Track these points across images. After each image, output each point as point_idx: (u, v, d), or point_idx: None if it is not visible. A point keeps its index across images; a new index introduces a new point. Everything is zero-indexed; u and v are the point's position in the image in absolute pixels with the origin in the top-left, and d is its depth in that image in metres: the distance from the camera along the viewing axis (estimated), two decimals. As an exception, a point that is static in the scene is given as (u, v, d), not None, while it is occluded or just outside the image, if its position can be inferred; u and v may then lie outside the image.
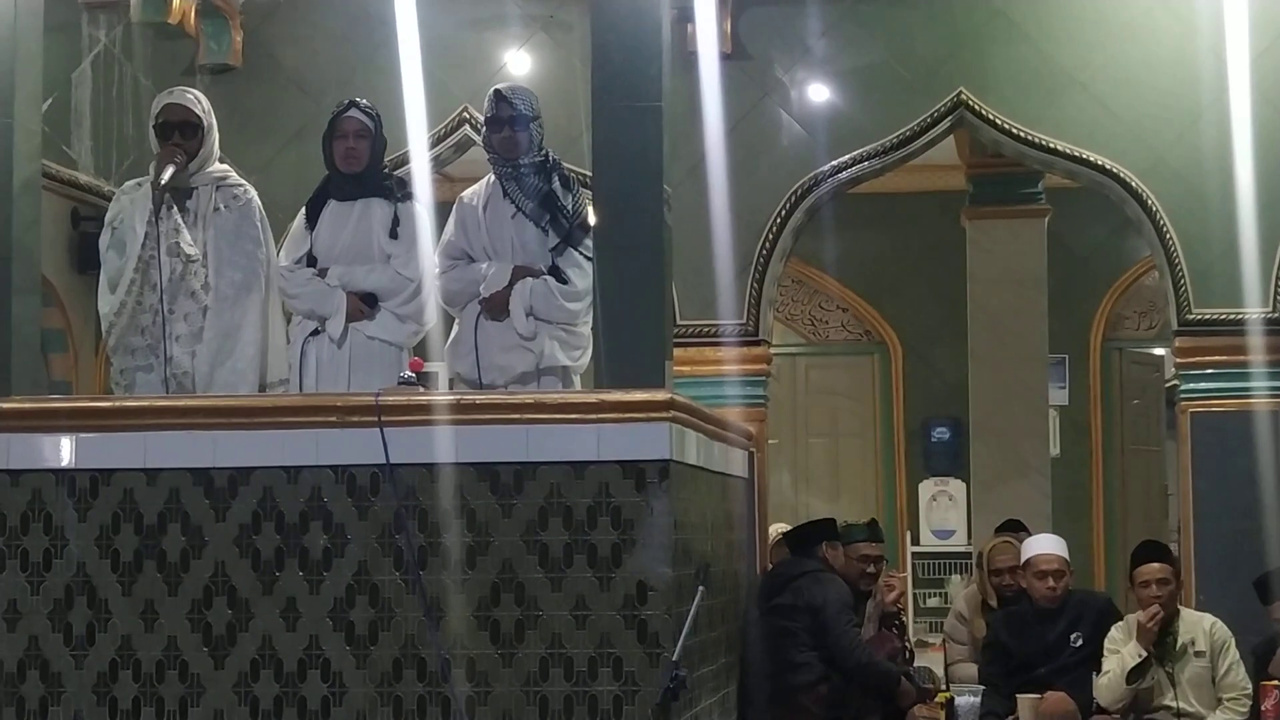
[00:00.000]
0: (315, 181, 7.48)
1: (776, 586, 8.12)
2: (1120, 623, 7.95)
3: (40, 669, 6.20)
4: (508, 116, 7.30)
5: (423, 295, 7.31)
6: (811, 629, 8.01)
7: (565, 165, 7.49)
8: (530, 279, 7.27)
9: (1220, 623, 7.91)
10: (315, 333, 7.31)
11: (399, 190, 7.38)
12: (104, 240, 7.15)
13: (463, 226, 7.45)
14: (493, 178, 7.44)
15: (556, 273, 7.28)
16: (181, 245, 6.99)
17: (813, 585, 8.12)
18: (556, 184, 7.35)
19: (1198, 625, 7.89)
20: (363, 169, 7.31)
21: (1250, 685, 7.69)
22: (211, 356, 7.02)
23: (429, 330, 7.43)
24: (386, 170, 7.61)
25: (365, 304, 7.27)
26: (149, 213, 6.97)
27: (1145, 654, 7.67)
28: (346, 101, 7.37)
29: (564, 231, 7.30)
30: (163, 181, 6.92)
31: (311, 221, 7.38)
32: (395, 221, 7.30)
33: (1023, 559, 8.31)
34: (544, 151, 7.39)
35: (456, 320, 7.47)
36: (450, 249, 7.45)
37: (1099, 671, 7.93)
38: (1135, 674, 7.67)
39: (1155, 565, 7.87)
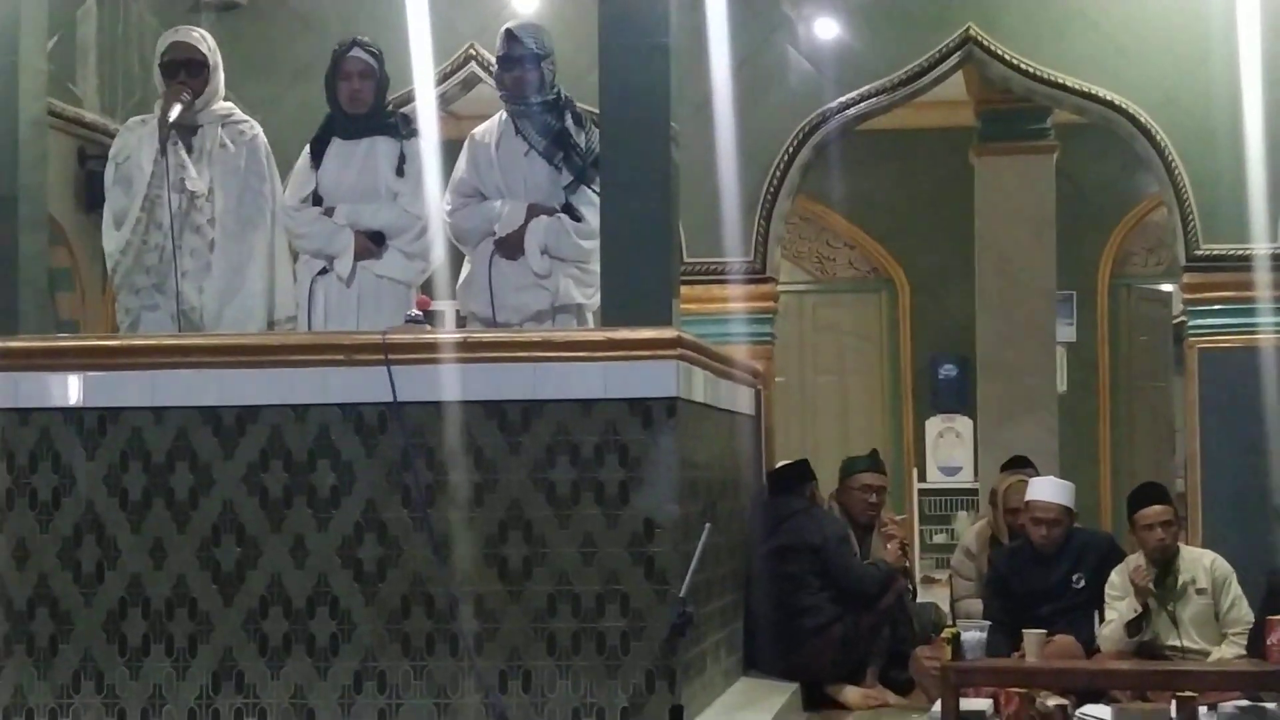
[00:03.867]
0: (321, 119, 7.45)
1: (769, 527, 8.11)
2: (1120, 566, 7.95)
3: (50, 607, 6.23)
4: (518, 55, 7.27)
5: (430, 233, 7.30)
6: (816, 570, 8.02)
7: (577, 103, 7.47)
8: (544, 217, 7.26)
9: (1220, 559, 7.92)
10: (323, 271, 7.31)
11: (404, 127, 7.36)
12: (109, 175, 7.18)
13: (475, 164, 7.43)
14: (505, 115, 7.42)
15: (570, 211, 7.28)
16: (187, 182, 7.00)
17: (808, 523, 8.11)
18: (569, 122, 7.34)
19: (1198, 563, 7.89)
20: (367, 109, 7.29)
21: (1254, 618, 7.70)
22: (220, 293, 7.05)
23: (436, 268, 7.42)
24: (391, 108, 7.58)
25: (373, 242, 7.27)
26: (155, 150, 6.98)
27: (1140, 608, 7.68)
28: (350, 40, 7.34)
29: (578, 169, 7.29)
30: (171, 119, 6.93)
31: (316, 160, 7.36)
32: (401, 159, 7.29)
33: (1025, 498, 8.33)
34: (556, 89, 7.37)
35: (468, 258, 7.45)
36: (462, 186, 7.44)
37: (1101, 612, 7.96)
38: (1134, 627, 7.69)
39: (1159, 508, 7.87)
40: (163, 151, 6.98)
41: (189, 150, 7.08)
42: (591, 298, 7.30)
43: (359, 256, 7.26)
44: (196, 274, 7.05)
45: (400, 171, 7.29)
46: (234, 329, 6.96)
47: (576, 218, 7.26)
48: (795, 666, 7.91)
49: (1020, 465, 9.41)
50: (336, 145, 7.34)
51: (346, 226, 7.27)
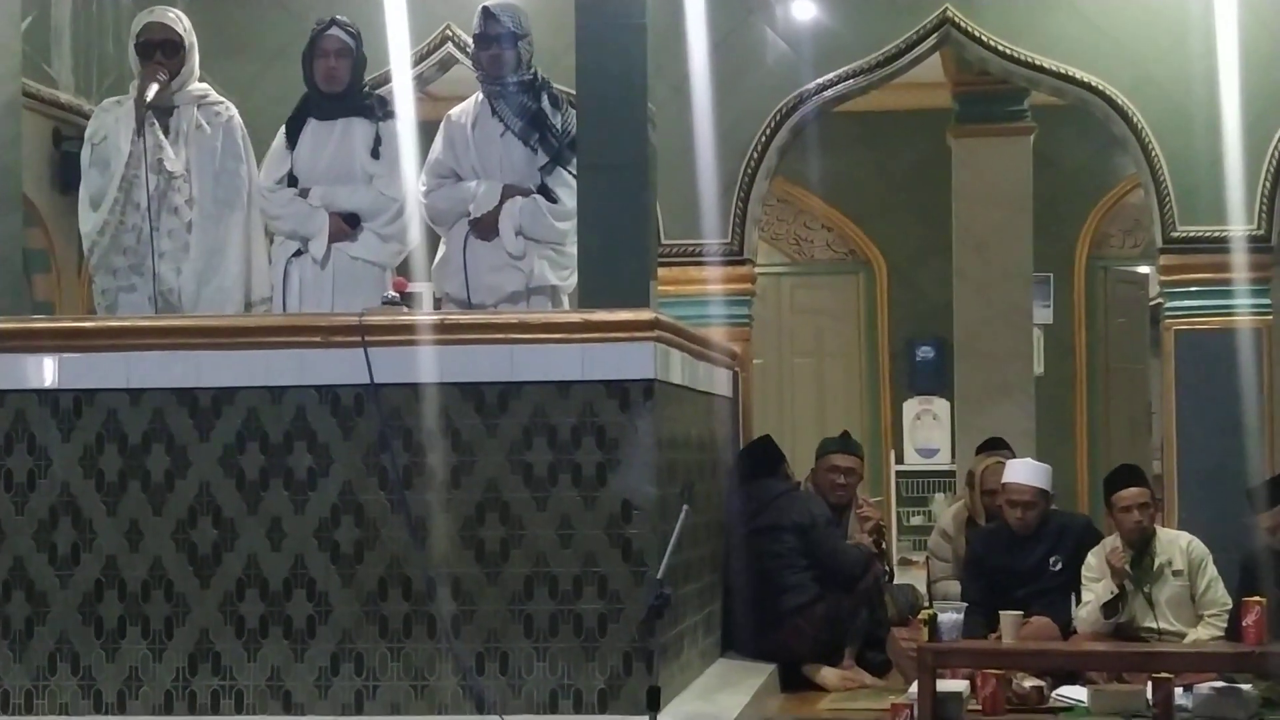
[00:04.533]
0: (297, 101, 7.43)
1: (752, 509, 8.10)
2: (1096, 548, 7.96)
3: (25, 589, 6.22)
4: (495, 33, 7.27)
5: (406, 215, 7.30)
6: (801, 549, 8.01)
7: (553, 84, 7.46)
8: (520, 198, 7.26)
9: (1196, 540, 7.92)
10: (298, 253, 7.30)
11: (380, 109, 7.36)
12: (85, 157, 7.15)
13: (451, 145, 7.43)
14: (481, 96, 7.42)
15: (546, 192, 7.28)
16: (164, 162, 6.98)
17: (794, 504, 8.11)
18: (545, 103, 7.34)
19: (1174, 544, 7.90)
20: (344, 88, 7.28)
21: (1230, 600, 7.72)
22: (198, 274, 7.05)
23: (412, 250, 7.41)
24: (367, 89, 7.57)
25: (348, 224, 7.26)
26: (132, 131, 6.96)
27: (1117, 590, 7.70)
28: (327, 19, 7.33)
29: (553, 151, 7.29)
30: (148, 99, 6.91)
31: (292, 141, 7.35)
32: (377, 141, 7.28)
33: (1002, 480, 8.33)
34: (533, 70, 7.37)
35: (443, 239, 7.45)
36: (438, 167, 7.43)
37: (1077, 594, 7.97)
38: (1110, 609, 7.71)
39: (1135, 490, 7.87)
40: (140, 132, 6.95)
41: (165, 131, 7.07)
42: (567, 279, 7.30)
43: (334, 238, 7.25)
44: (174, 255, 7.03)
45: (375, 154, 7.29)
46: (211, 310, 6.95)
47: (552, 199, 7.25)
48: (775, 646, 7.90)
49: (997, 447, 9.41)
50: (312, 126, 7.33)
51: (321, 208, 7.26)
